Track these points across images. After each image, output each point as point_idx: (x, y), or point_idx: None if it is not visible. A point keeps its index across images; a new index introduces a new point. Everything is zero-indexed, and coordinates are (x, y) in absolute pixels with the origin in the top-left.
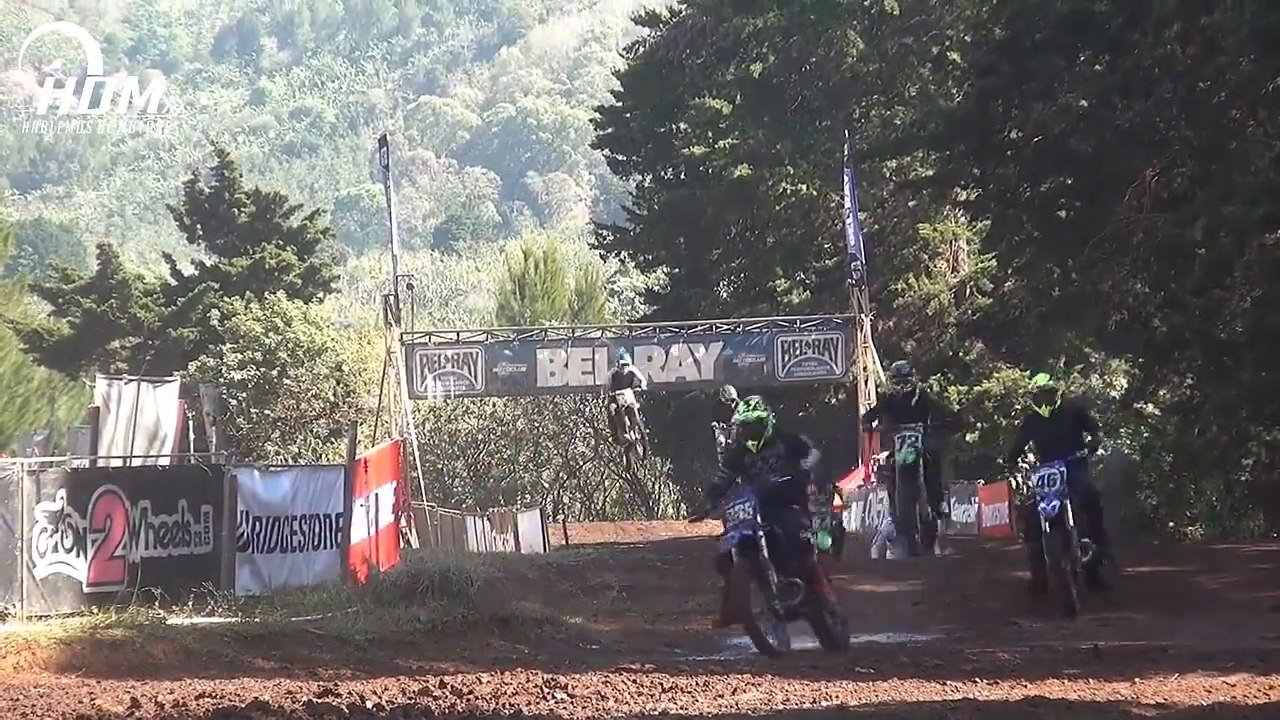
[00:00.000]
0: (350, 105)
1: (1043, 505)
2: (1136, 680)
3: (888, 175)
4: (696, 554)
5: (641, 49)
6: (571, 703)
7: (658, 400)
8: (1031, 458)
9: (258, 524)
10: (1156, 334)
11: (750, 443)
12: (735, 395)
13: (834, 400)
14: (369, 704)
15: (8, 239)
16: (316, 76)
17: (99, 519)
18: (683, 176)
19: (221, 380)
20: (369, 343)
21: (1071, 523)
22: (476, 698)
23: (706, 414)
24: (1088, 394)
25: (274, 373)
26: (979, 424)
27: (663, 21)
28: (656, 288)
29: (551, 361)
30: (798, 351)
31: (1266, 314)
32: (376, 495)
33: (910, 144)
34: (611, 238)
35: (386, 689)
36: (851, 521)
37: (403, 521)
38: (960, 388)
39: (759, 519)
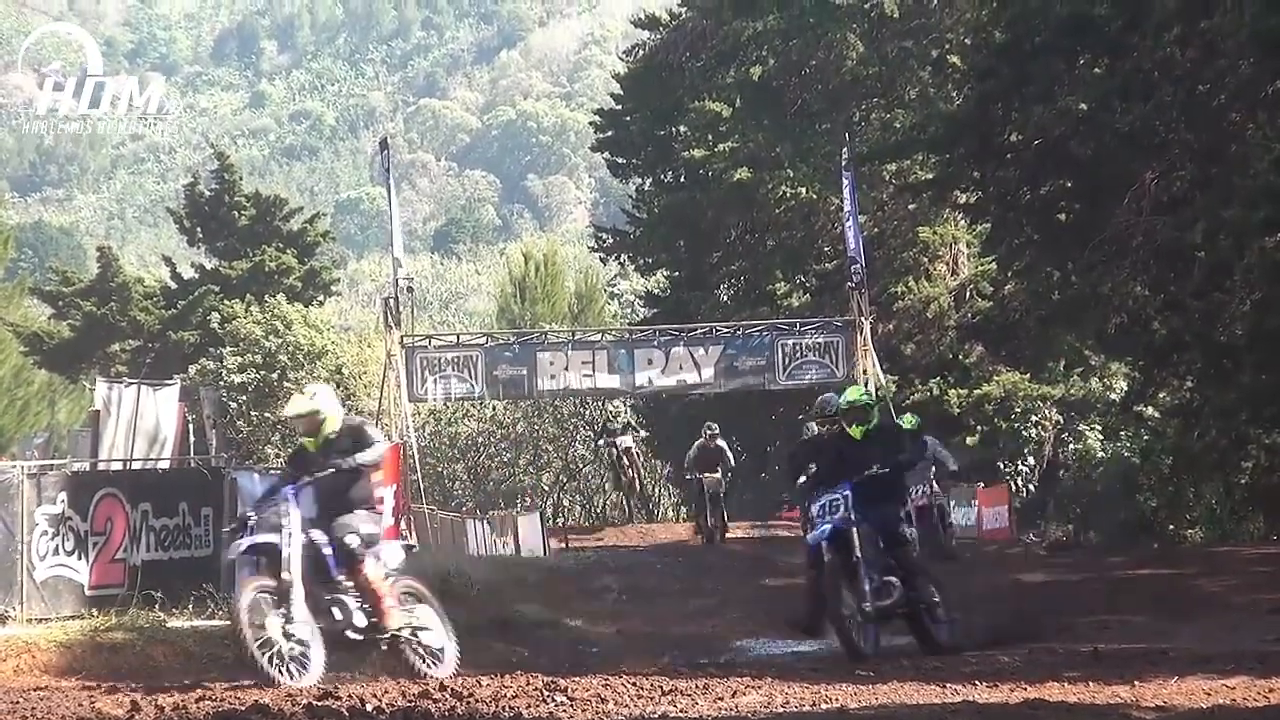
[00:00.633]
0: (350, 108)
1: (814, 534)
2: (1136, 683)
3: (887, 178)
4: (696, 557)
5: (641, 52)
6: (571, 706)
7: (658, 403)
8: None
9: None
10: (1156, 337)
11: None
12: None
13: None
14: (369, 707)
15: (8, 242)
16: (316, 79)
17: (100, 522)
18: (683, 179)
19: (221, 383)
20: (369, 346)
21: (859, 554)
22: (476, 700)
23: (706, 417)
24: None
25: (274, 376)
26: (979, 427)
27: (662, 25)
28: (656, 291)
29: (552, 364)
30: (798, 355)
31: (1266, 317)
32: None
33: (910, 147)
34: (611, 241)
35: (386, 692)
36: None
37: (402, 524)
38: (960, 391)
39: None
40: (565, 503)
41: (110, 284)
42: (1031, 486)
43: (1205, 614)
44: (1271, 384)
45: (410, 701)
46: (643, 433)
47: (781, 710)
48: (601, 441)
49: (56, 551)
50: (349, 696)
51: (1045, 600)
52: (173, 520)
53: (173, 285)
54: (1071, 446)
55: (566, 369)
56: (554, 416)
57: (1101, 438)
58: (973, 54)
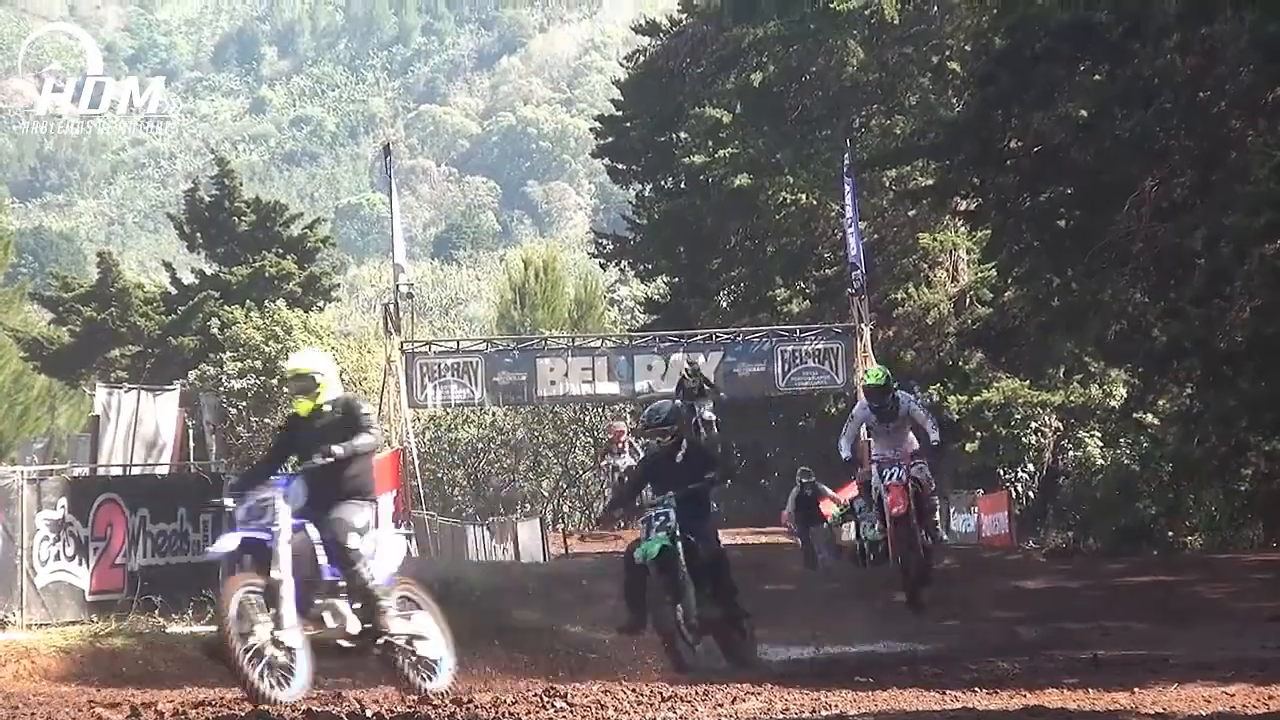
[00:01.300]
0: (350, 114)
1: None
2: (1136, 690)
3: (887, 184)
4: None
5: (642, 58)
6: (571, 712)
7: None
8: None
9: None
10: (1156, 343)
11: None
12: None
13: (833, 410)
14: (369, 713)
15: (8, 247)
16: (317, 85)
17: (100, 527)
18: (683, 186)
19: (221, 389)
20: (369, 351)
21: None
22: (476, 706)
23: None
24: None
25: (274, 381)
26: (978, 433)
27: (663, 31)
28: (656, 297)
29: (551, 370)
30: (798, 361)
31: (1266, 324)
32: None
33: (910, 153)
34: (611, 247)
35: (386, 697)
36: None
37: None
38: (960, 397)
39: (678, 528)
40: (565, 509)
41: (110, 289)
42: (1031, 493)
43: (1205, 621)
44: (1271, 391)
45: (410, 707)
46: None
47: (781, 716)
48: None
49: (58, 557)
50: (349, 702)
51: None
52: (171, 526)
53: (173, 291)
54: (1071, 453)
55: (566, 375)
56: (554, 423)
57: (1101, 444)
58: (973, 60)
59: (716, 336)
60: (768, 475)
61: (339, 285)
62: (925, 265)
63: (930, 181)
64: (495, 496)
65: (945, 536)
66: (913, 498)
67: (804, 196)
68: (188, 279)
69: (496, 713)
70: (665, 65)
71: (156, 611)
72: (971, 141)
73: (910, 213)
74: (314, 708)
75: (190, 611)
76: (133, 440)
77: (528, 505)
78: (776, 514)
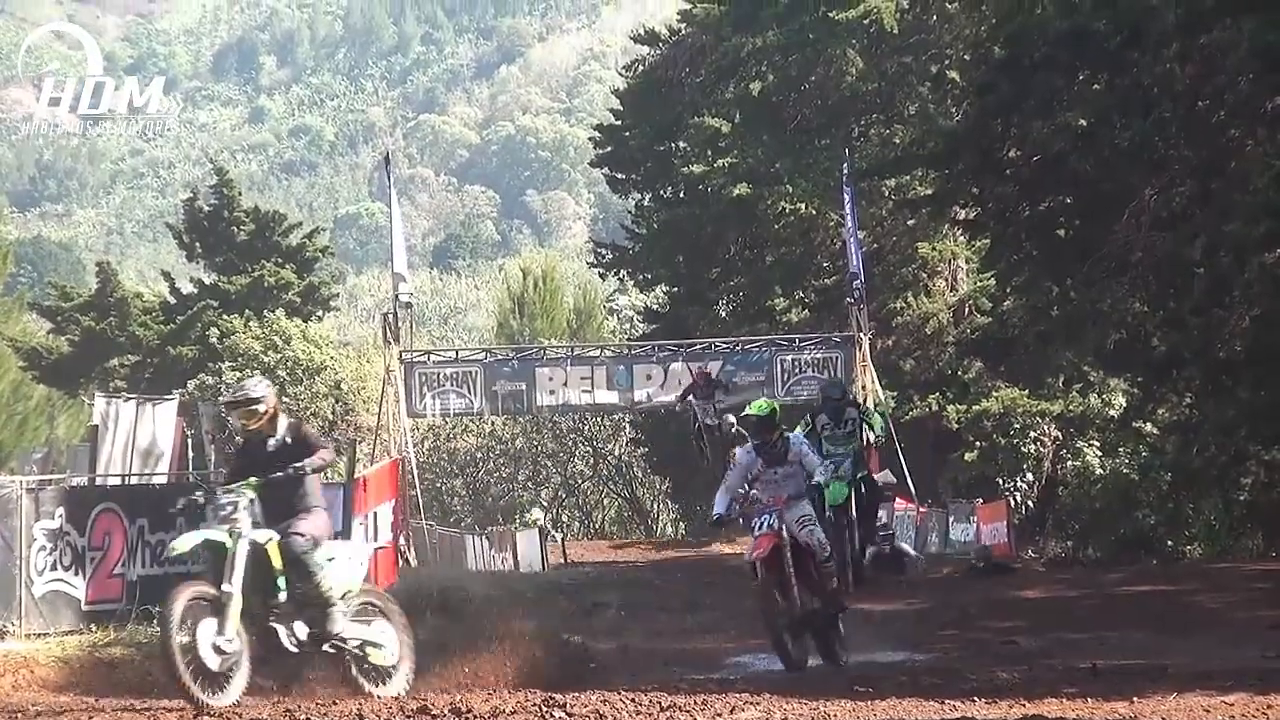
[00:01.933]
0: (349, 123)
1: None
2: (1135, 699)
3: (886, 194)
4: (695, 572)
5: (641, 67)
6: None
7: (656, 419)
8: None
9: None
10: (1155, 353)
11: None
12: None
13: None
14: None
15: (7, 257)
16: (316, 94)
17: (98, 537)
18: (682, 195)
19: (220, 398)
20: (368, 361)
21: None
22: (475, 716)
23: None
24: None
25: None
26: (978, 443)
27: (662, 40)
28: (655, 306)
29: (550, 380)
30: (797, 370)
31: (1266, 333)
32: (375, 514)
33: (909, 163)
34: (610, 256)
35: (386, 707)
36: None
37: (401, 540)
38: (959, 407)
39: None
40: (564, 518)
41: (109, 299)
42: (1030, 503)
43: (1204, 630)
44: (1271, 400)
45: (409, 717)
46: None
47: None
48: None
49: (54, 567)
50: (348, 712)
51: (1043, 616)
52: (170, 535)
53: (171, 300)
54: (1070, 463)
55: (565, 384)
56: (553, 432)
57: (1100, 454)
58: (972, 69)
59: (715, 346)
60: None
61: (338, 295)
62: (924, 274)
63: (929, 191)
64: (494, 506)
65: (918, 554)
66: (795, 555)
67: (803, 206)
68: (186, 288)
69: None
70: (664, 75)
71: (155, 621)
72: (970, 151)
73: (909, 222)
74: (312, 718)
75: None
76: (131, 450)
77: (526, 514)
78: None
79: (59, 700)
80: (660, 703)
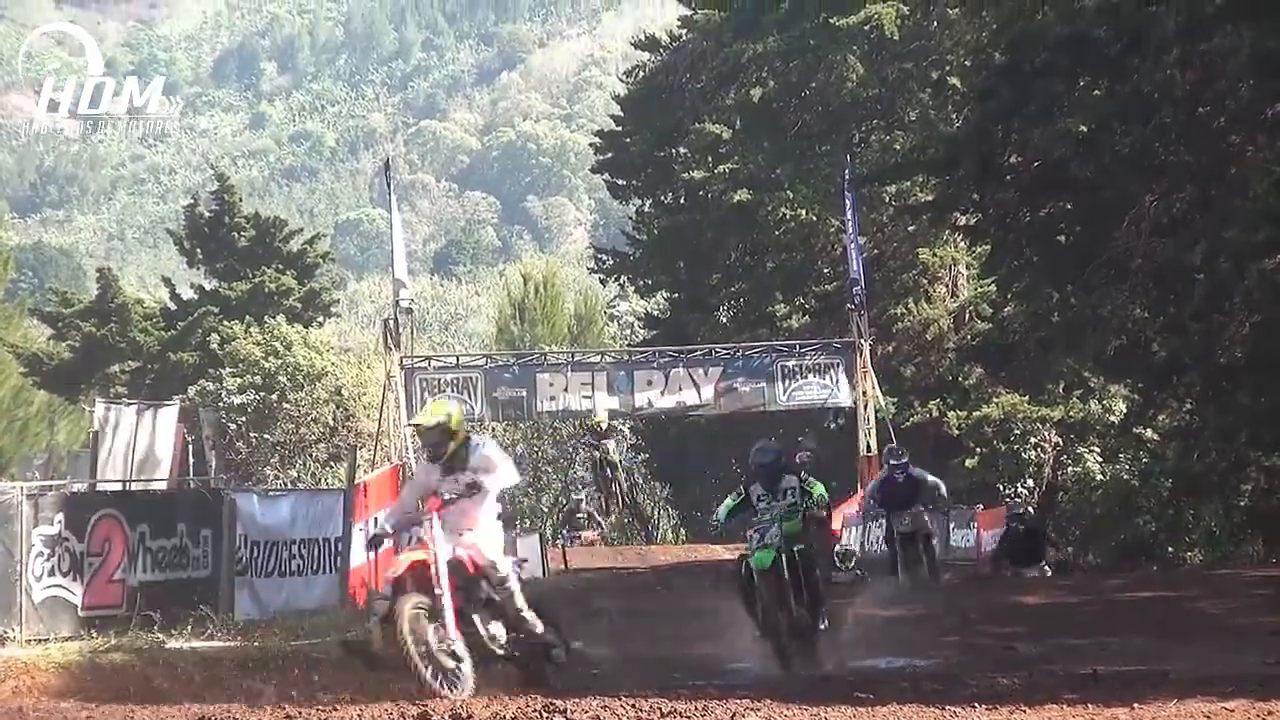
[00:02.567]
0: (350, 129)
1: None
2: (1136, 705)
3: (887, 200)
4: (696, 578)
5: (641, 73)
6: None
7: (658, 425)
8: None
9: (257, 548)
10: (1156, 359)
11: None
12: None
13: (833, 426)
14: None
15: (7, 263)
16: (316, 100)
17: (97, 543)
18: (682, 201)
19: (221, 404)
20: (369, 367)
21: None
22: None
23: (706, 439)
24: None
25: (273, 397)
26: (978, 449)
27: (662, 46)
28: (656, 312)
29: (551, 386)
30: (798, 376)
31: (1266, 339)
32: (376, 519)
33: (910, 169)
34: (611, 262)
35: (386, 713)
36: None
37: None
38: (960, 413)
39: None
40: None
41: (110, 305)
42: (1031, 508)
43: (1205, 636)
44: (1271, 406)
45: None
46: (628, 437)
47: None
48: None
49: (52, 573)
50: (349, 718)
51: (1043, 622)
52: (171, 541)
53: (172, 306)
54: (1071, 468)
55: (566, 390)
56: (553, 438)
57: (1101, 460)
58: (972, 76)
59: (716, 352)
60: None
61: (338, 300)
62: (925, 281)
63: (930, 197)
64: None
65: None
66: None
67: (804, 212)
68: (187, 294)
69: None
70: (665, 81)
71: (156, 627)
72: (971, 157)
73: (910, 228)
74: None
75: (189, 627)
76: (132, 456)
77: (527, 521)
78: None
79: (60, 706)
80: (661, 708)
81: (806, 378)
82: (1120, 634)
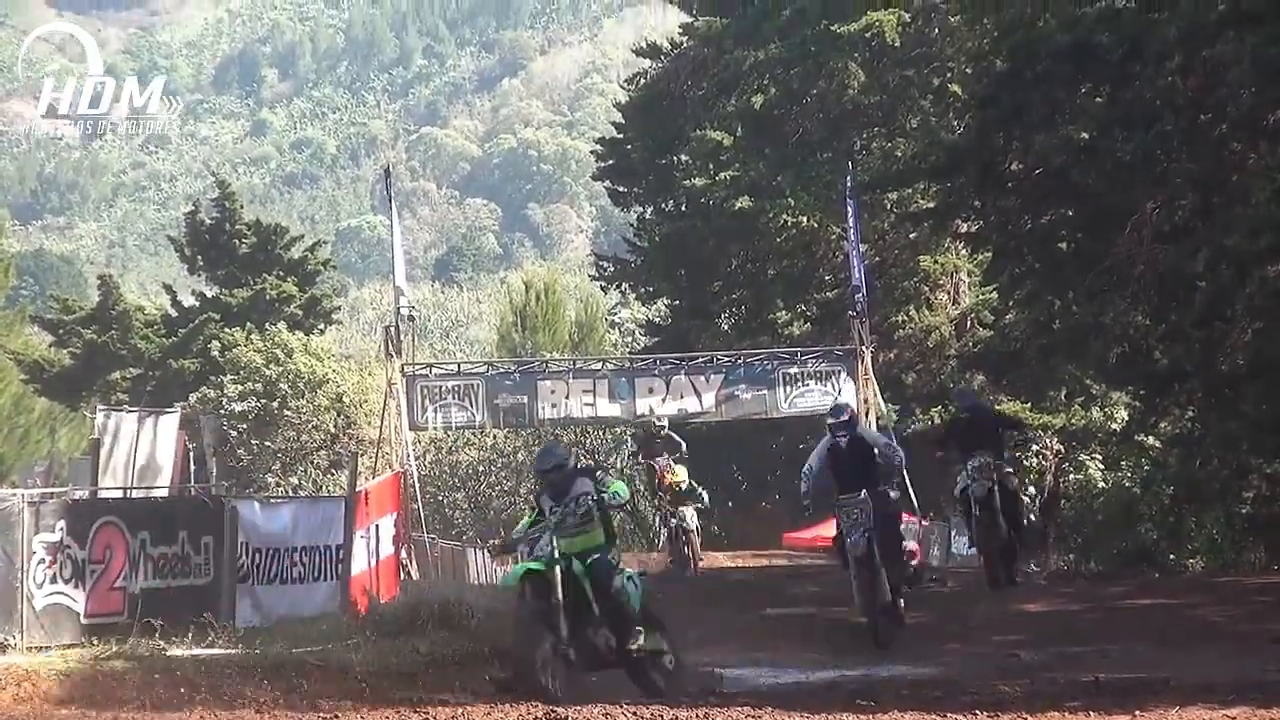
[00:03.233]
0: (351, 136)
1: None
2: (1138, 712)
3: (888, 207)
4: (697, 585)
5: (642, 81)
6: None
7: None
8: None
9: (258, 555)
10: (1157, 366)
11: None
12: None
13: None
14: None
15: (8, 270)
16: (317, 107)
17: (99, 550)
18: (684, 208)
19: (222, 411)
20: (370, 374)
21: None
22: None
23: (706, 446)
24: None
25: (275, 404)
26: None
27: (663, 53)
28: (657, 319)
29: (552, 393)
30: (799, 384)
31: (1268, 346)
32: (377, 527)
33: (911, 176)
34: (612, 269)
35: (388, 718)
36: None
37: (403, 553)
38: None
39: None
40: None
41: (111, 312)
42: (1032, 516)
43: (1207, 643)
44: (1273, 414)
45: None
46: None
47: None
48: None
49: (54, 580)
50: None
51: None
52: (172, 548)
53: (173, 313)
54: (1072, 476)
55: (567, 397)
56: None
57: (1103, 467)
58: (974, 83)
59: (717, 359)
60: (768, 498)
61: (340, 308)
62: (926, 288)
63: (931, 204)
64: (496, 519)
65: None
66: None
67: (805, 219)
68: (188, 301)
69: None
70: (666, 88)
71: (157, 635)
72: (972, 164)
73: (911, 235)
74: None
75: (191, 635)
76: (133, 463)
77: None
78: (777, 536)
79: (61, 714)
80: (662, 715)
81: (808, 385)
82: (1122, 641)
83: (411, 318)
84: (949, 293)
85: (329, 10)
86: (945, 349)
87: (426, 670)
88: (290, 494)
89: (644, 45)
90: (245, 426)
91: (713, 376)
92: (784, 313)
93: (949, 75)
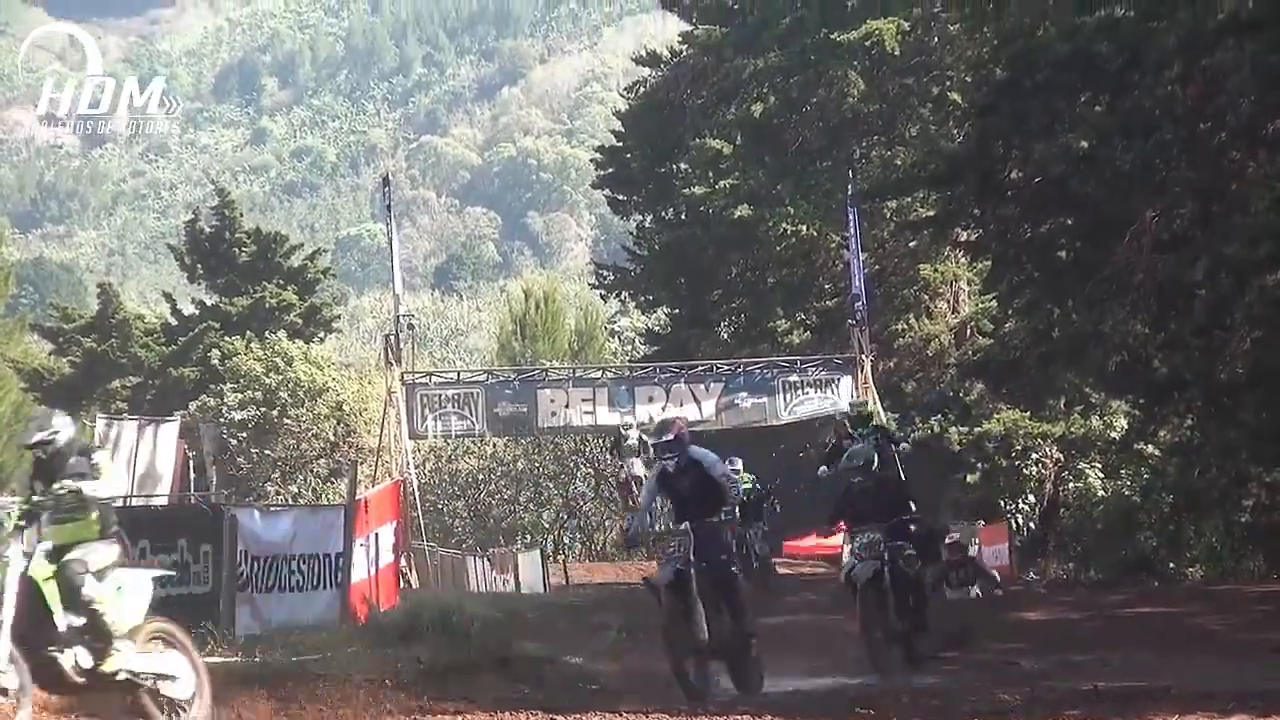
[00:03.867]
0: (351, 145)
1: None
2: None
3: (888, 216)
4: None
5: (642, 89)
6: None
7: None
8: None
9: (258, 564)
10: (1157, 375)
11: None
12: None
13: (833, 440)
14: None
15: (8, 278)
16: (317, 116)
17: None
18: (683, 217)
19: (222, 420)
20: (369, 382)
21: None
22: None
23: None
24: None
25: (274, 412)
26: (979, 465)
27: (663, 62)
28: (657, 328)
29: (552, 402)
30: (799, 392)
31: (1267, 355)
32: (377, 535)
33: (911, 184)
34: (612, 278)
35: None
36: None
37: (403, 561)
38: (961, 429)
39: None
40: (566, 539)
41: (110, 320)
42: (1032, 525)
43: (1207, 651)
44: (1272, 422)
45: None
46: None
47: None
48: (611, 456)
49: None
50: None
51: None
52: (171, 557)
53: (173, 322)
54: (1072, 484)
55: (567, 406)
56: (554, 454)
57: (1102, 475)
58: (973, 91)
59: (717, 367)
60: (769, 505)
61: (339, 316)
62: (926, 296)
63: (931, 213)
64: (495, 527)
65: None
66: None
67: (804, 228)
68: (188, 310)
69: None
70: (666, 96)
71: None
72: (972, 172)
73: (911, 244)
74: None
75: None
76: (133, 471)
77: (528, 536)
78: (777, 544)
79: None
80: None
81: (808, 393)
82: (1122, 649)
83: (411, 326)
84: (948, 301)
85: (329, 19)
86: (945, 357)
87: (426, 678)
88: (290, 502)
89: (644, 54)
90: (245, 435)
91: (713, 385)
92: (784, 321)
93: (948, 84)
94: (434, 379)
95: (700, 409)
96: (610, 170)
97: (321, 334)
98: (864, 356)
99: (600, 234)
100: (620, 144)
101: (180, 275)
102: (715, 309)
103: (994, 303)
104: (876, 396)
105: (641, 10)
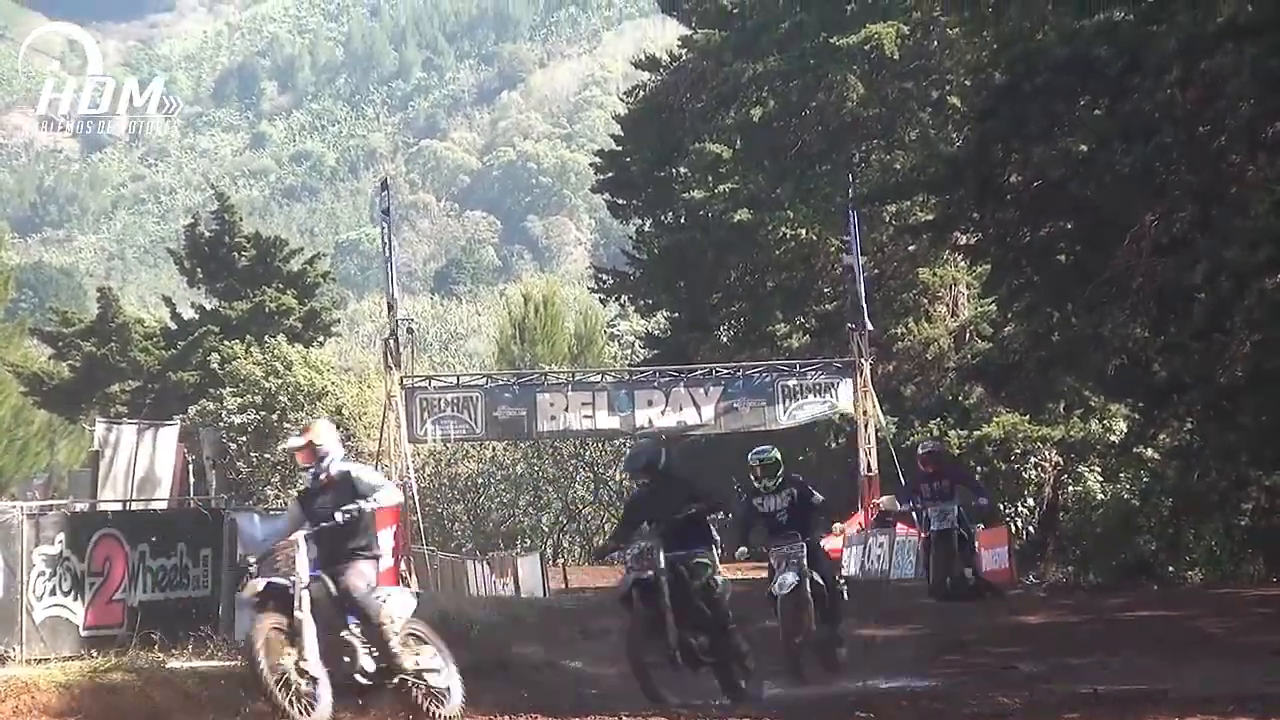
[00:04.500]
0: (350, 149)
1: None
2: None
3: (887, 219)
4: None
5: (642, 93)
6: None
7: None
8: None
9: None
10: (1156, 378)
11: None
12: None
13: (833, 445)
14: None
15: (8, 282)
16: (317, 120)
17: (98, 562)
18: (683, 220)
19: (221, 424)
20: (369, 386)
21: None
22: None
23: (706, 457)
24: None
25: (274, 416)
26: (979, 468)
27: (663, 66)
28: (656, 332)
29: (551, 405)
30: (798, 396)
31: (1266, 358)
32: (376, 539)
33: (910, 188)
34: (611, 282)
35: None
36: (851, 565)
37: (402, 565)
38: (960, 432)
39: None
40: (565, 543)
41: (110, 325)
42: (1031, 528)
43: (1206, 655)
44: (1272, 425)
45: None
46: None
47: None
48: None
49: (54, 592)
50: None
51: (1044, 641)
52: (171, 561)
53: (173, 326)
54: (1071, 488)
55: (566, 410)
56: (554, 458)
57: (1101, 479)
58: (972, 95)
59: (716, 371)
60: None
61: (339, 320)
62: (925, 300)
63: (930, 216)
64: (495, 531)
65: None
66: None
67: (804, 232)
68: (188, 314)
69: None
70: (665, 100)
71: (156, 646)
72: (971, 176)
73: (910, 247)
74: None
75: (190, 647)
76: (133, 475)
77: (528, 540)
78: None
79: None
80: None
81: (807, 397)
82: (1121, 653)
83: (410, 330)
84: (948, 305)
85: (328, 23)
86: (944, 361)
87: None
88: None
89: (643, 58)
90: (244, 439)
91: (712, 389)
92: (783, 325)
93: (948, 88)
94: (433, 383)
95: (699, 413)
96: (610, 174)
97: (321, 338)
98: (863, 360)
99: (600, 238)
100: (620, 148)
101: (180, 279)
102: (715, 313)
103: (993, 306)
104: (876, 400)
105: (641, 14)
